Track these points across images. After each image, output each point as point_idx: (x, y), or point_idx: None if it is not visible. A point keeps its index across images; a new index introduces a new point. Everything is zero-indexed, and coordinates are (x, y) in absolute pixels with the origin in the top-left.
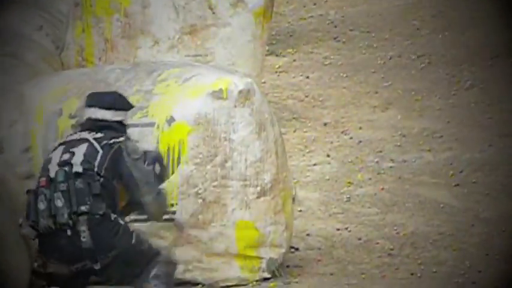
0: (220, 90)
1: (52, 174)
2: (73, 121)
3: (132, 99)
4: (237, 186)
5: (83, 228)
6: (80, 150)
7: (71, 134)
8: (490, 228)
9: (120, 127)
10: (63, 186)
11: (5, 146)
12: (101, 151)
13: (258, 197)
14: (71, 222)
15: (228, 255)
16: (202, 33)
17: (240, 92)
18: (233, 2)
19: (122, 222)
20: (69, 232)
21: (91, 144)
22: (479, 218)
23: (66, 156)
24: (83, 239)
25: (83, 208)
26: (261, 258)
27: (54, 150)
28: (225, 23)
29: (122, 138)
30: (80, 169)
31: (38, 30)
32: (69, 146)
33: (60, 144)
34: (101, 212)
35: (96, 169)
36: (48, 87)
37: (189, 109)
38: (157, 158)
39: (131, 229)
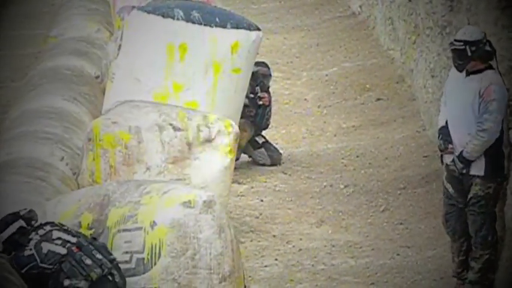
0: (189, 200)
1: (73, 241)
2: (91, 231)
3: (125, 209)
4: (204, 274)
5: (115, 271)
6: (59, 234)
7: (39, 241)
8: None
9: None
10: (91, 247)
11: None
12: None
13: (220, 282)
14: (111, 267)
15: None
16: (182, 163)
17: (204, 202)
18: (203, 140)
19: None
20: (110, 277)
21: (56, 228)
22: None
23: (62, 234)
24: (117, 279)
25: (112, 257)
26: None
27: (37, 246)
28: (196, 157)
29: None
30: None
31: (61, 160)
32: (48, 237)
33: (40, 241)
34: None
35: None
36: (66, 205)
37: (166, 216)
38: None
39: None
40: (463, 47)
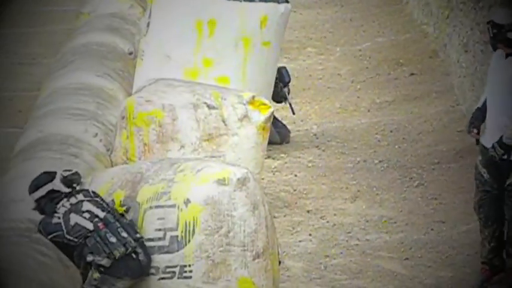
0: (223, 178)
1: (101, 216)
2: (123, 208)
3: (158, 186)
4: (238, 251)
5: (139, 250)
6: (89, 206)
7: (62, 206)
8: None
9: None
10: (117, 224)
11: None
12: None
13: (253, 259)
14: (135, 246)
15: None
16: (217, 140)
17: (238, 179)
18: (240, 117)
19: None
20: (133, 255)
21: (88, 200)
22: (423, 283)
23: (92, 207)
24: (141, 258)
25: (138, 235)
26: None
27: (65, 216)
28: (234, 133)
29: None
30: (111, 213)
31: (94, 137)
32: (78, 208)
33: (69, 211)
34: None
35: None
36: (99, 184)
37: (200, 193)
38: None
39: None
40: (488, 26)
